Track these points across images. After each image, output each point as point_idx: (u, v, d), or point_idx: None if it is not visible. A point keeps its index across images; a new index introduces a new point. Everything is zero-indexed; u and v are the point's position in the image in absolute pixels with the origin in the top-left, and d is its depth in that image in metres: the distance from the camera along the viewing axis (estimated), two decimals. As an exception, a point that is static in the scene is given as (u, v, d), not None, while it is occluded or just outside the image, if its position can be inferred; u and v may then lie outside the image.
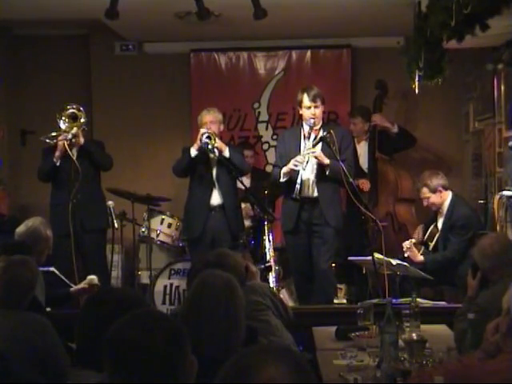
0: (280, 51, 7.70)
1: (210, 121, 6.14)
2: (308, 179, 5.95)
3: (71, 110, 6.03)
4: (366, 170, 6.93)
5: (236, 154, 6.17)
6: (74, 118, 6.03)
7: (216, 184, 6.17)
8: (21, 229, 4.82)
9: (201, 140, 6.01)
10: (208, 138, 5.99)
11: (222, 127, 6.30)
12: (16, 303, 3.47)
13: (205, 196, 6.19)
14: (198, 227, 6.18)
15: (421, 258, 5.89)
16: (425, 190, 5.93)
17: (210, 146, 5.99)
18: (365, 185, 6.76)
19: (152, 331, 1.99)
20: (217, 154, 6.07)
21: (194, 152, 6.10)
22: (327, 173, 5.89)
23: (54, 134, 6.03)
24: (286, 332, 4.09)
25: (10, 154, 7.64)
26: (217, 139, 6.04)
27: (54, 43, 7.76)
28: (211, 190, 6.17)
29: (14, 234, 4.87)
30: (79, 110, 6.05)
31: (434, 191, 5.90)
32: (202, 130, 6.08)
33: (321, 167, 5.93)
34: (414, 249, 5.91)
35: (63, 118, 5.99)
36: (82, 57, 7.79)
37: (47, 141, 5.98)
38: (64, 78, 7.77)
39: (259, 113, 7.72)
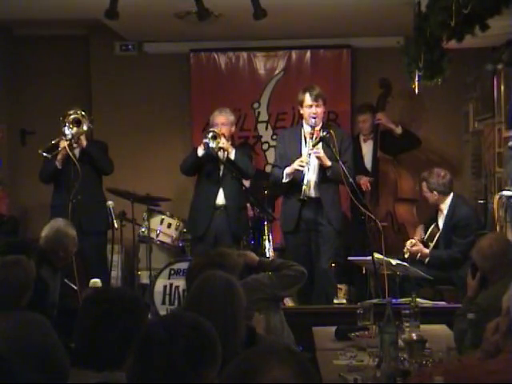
0: (280, 51, 7.70)
1: (222, 122, 6.18)
2: (310, 180, 5.96)
3: (74, 116, 6.02)
4: (369, 170, 6.93)
5: (243, 158, 6.19)
6: (77, 123, 6.02)
7: (222, 184, 6.19)
8: (46, 232, 4.79)
9: (207, 146, 6.02)
10: (213, 137, 6.01)
11: (233, 129, 6.33)
12: (12, 303, 3.46)
13: (211, 195, 6.23)
14: (202, 226, 6.24)
15: (426, 250, 5.91)
16: (424, 184, 6.03)
17: (213, 146, 5.99)
18: (365, 184, 6.76)
19: (178, 336, 1.99)
20: (221, 154, 6.08)
21: (200, 151, 6.12)
22: (328, 174, 5.90)
23: (52, 142, 6.01)
24: (286, 330, 4.11)
25: (10, 154, 7.63)
26: (223, 140, 6.05)
27: (54, 43, 7.76)
28: (217, 190, 6.23)
29: (30, 235, 4.86)
30: (82, 116, 6.04)
31: (430, 190, 5.97)
32: (209, 129, 6.09)
33: (322, 168, 5.94)
34: (419, 244, 5.93)
35: (67, 124, 5.98)
36: (81, 57, 7.79)
37: (44, 154, 5.95)
38: (64, 78, 7.77)
39: (259, 113, 7.72)
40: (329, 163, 5.87)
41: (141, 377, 1.99)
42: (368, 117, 6.97)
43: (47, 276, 4.34)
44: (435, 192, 5.95)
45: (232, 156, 6.11)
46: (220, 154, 6.12)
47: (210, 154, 6.09)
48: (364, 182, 6.76)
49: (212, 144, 6.01)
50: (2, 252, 4.04)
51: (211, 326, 2.12)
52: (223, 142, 6.05)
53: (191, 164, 6.25)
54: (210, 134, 6.02)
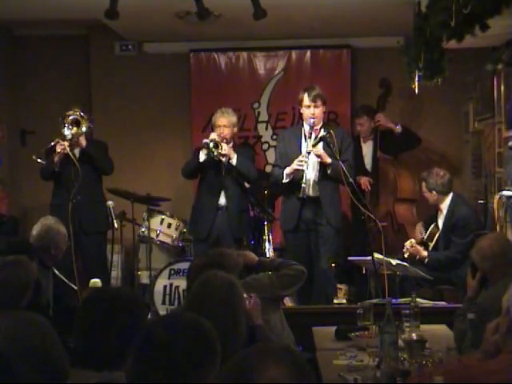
0: (280, 51, 7.69)
1: (224, 124, 6.18)
2: (309, 179, 5.96)
3: (73, 116, 6.02)
4: (369, 170, 6.93)
5: (244, 162, 6.18)
6: (77, 123, 6.02)
7: (223, 186, 6.21)
8: (38, 230, 4.79)
9: (207, 146, 6.02)
10: (215, 146, 6.01)
11: (235, 129, 6.33)
12: (12, 303, 3.46)
13: (213, 197, 6.25)
14: (205, 228, 6.25)
15: (425, 253, 5.91)
16: (423, 183, 6.06)
17: (215, 153, 6.02)
18: (365, 184, 6.76)
19: (178, 334, 1.99)
20: (223, 160, 6.09)
21: (202, 157, 6.14)
22: (329, 172, 5.90)
23: (48, 146, 6.01)
24: (286, 330, 4.10)
25: (10, 154, 7.63)
26: (224, 147, 6.06)
27: (54, 43, 7.75)
28: (220, 192, 6.24)
29: (30, 234, 4.85)
30: (81, 116, 6.04)
31: (429, 190, 5.98)
32: (211, 136, 6.07)
33: (323, 166, 5.94)
34: (417, 246, 5.94)
35: (66, 125, 5.98)
36: (81, 57, 7.79)
37: (39, 160, 5.95)
38: (64, 78, 7.77)
39: (259, 113, 7.72)
40: (329, 160, 5.86)
41: (140, 376, 1.99)
42: (365, 120, 6.96)
43: (40, 275, 4.33)
44: (434, 192, 5.95)
45: (234, 162, 6.13)
46: (222, 158, 6.13)
47: (212, 160, 6.10)
48: (364, 181, 6.76)
49: (214, 153, 6.02)
50: (4, 252, 4.04)
51: (211, 325, 2.12)
52: (225, 149, 6.07)
53: (193, 169, 6.28)
54: (212, 144, 6.02)
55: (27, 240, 4.81)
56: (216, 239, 6.20)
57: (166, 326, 2.07)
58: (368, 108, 6.99)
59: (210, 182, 6.28)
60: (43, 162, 5.98)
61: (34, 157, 5.96)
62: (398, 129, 6.84)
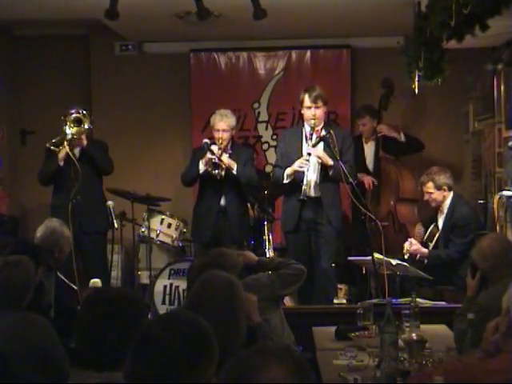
0: (280, 51, 7.69)
1: (223, 129, 6.20)
2: (310, 180, 5.95)
3: (75, 115, 6.02)
4: (371, 170, 6.92)
5: (244, 170, 6.22)
6: (78, 122, 6.03)
7: (223, 190, 6.26)
8: (41, 231, 4.80)
9: (209, 164, 6.10)
10: (215, 167, 6.09)
11: (234, 132, 6.37)
12: (12, 304, 3.46)
13: (214, 200, 6.28)
14: (207, 232, 6.29)
15: (425, 250, 5.90)
16: (430, 184, 5.92)
17: (216, 172, 6.07)
18: (368, 183, 6.75)
19: (174, 333, 2.00)
20: (223, 173, 6.14)
21: (202, 168, 6.17)
22: (330, 173, 5.90)
23: (57, 139, 6.03)
24: (286, 330, 4.10)
25: (10, 154, 7.63)
26: (224, 160, 6.12)
27: (54, 43, 7.75)
28: (220, 195, 6.27)
29: (30, 235, 4.87)
30: (83, 115, 6.05)
31: (438, 188, 5.90)
32: (209, 155, 6.07)
33: (323, 167, 5.94)
34: (418, 244, 5.93)
35: (68, 124, 5.99)
36: (81, 57, 7.79)
37: (52, 148, 5.99)
38: (64, 78, 7.77)
39: (259, 113, 7.72)
40: (330, 162, 5.86)
41: (137, 375, 1.99)
42: (367, 120, 6.95)
43: (43, 276, 4.33)
44: (445, 187, 5.89)
45: (234, 171, 6.16)
46: (222, 172, 6.18)
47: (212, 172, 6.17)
48: (367, 180, 6.75)
49: (215, 171, 6.10)
50: (12, 253, 4.03)
51: (208, 324, 2.12)
52: (225, 162, 6.10)
53: (193, 179, 6.36)
54: (212, 167, 6.09)
55: (37, 245, 4.80)
56: (217, 242, 6.19)
57: (163, 324, 2.07)
58: (370, 108, 6.99)
59: (210, 185, 6.29)
60: (56, 150, 6.00)
61: (47, 144, 6.01)
62: (402, 137, 6.82)
